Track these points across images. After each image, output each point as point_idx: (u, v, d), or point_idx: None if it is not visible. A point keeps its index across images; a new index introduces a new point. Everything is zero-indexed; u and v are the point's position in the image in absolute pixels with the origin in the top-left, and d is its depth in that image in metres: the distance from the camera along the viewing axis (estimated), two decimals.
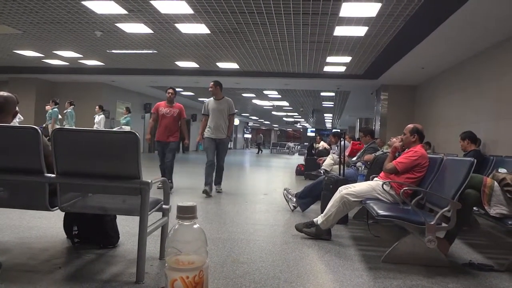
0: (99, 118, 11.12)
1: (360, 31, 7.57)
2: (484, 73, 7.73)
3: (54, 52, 10.67)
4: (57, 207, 2.37)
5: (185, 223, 0.67)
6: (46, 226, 3.45)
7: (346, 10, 6.45)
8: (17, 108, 2.72)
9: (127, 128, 11.09)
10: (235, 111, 6.35)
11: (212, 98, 6.26)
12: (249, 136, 40.74)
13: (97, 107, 11.26)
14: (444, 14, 6.10)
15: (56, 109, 10.42)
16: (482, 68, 7.85)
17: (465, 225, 3.36)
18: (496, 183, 3.04)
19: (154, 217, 2.42)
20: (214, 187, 6.17)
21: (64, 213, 2.76)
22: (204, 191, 5.80)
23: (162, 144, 6.36)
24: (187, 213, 0.68)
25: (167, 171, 6.20)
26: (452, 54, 8.46)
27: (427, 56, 8.72)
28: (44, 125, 10.85)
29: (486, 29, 6.55)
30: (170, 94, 6.43)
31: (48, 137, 2.54)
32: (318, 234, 3.52)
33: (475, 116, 7.96)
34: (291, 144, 37.14)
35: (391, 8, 6.28)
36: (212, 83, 6.14)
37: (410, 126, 3.82)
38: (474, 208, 3.24)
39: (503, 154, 5.61)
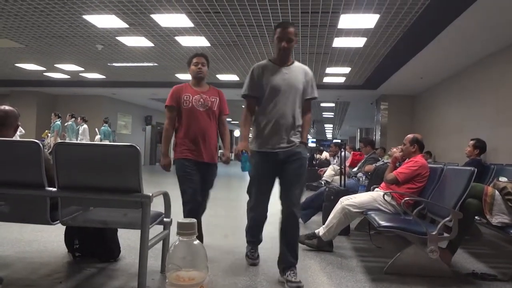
0: (81, 129, 10.71)
1: (358, 42, 7.63)
2: (483, 82, 7.77)
3: (56, 65, 10.75)
4: (58, 221, 2.37)
5: (185, 239, 0.68)
6: (47, 240, 3.44)
7: (344, 22, 6.51)
8: (18, 122, 2.73)
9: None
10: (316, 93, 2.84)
11: (267, 62, 2.81)
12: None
13: (79, 118, 10.78)
14: (441, 24, 6.16)
15: (58, 122, 10.45)
16: (480, 77, 7.89)
17: (467, 234, 3.34)
18: (497, 192, 3.04)
19: (155, 230, 2.41)
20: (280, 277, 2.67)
21: (65, 226, 2.76)
22: (251, 263, 2.99)
23: (195, 165, 3.11)
24: (187, 229, 0.69)
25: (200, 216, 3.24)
26: (450, 64, 8.51)
27: (425, 66, 8.77)
28: (43, 136, 10.89)
29: (483, 39, 6.60)
30: (199, 66, 3.16)
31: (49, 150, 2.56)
32: (320, 245, 3.51)
33: (475, 125, 7.98)
34: None
35: (389, 19, 6.34)
36: (282, 28, 2.71)
37: (410, 136, 3.83)
38: (476, 217, 3.23)
39: (503, 162, 5.61)
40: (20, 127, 4.45)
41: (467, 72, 8.55)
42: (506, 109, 6.80)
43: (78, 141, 10.15)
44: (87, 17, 6.72)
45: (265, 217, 2.92)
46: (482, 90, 7.81)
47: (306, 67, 2.82)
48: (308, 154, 3.01)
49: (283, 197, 2.67)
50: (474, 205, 3.01)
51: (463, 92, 8.77)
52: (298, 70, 2.76)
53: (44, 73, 11.89)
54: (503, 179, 3.36)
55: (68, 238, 2.96)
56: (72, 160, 2.32)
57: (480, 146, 5.50)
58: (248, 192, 2.86)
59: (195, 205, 3.05)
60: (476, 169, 2.92)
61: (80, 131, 10.64)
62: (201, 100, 3.14)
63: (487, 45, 6.96)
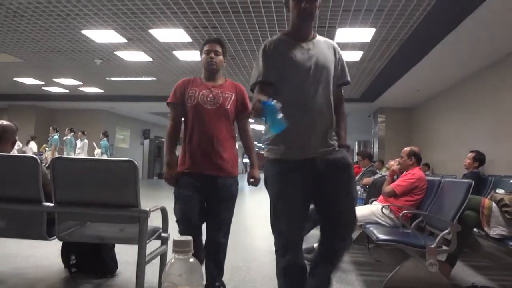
0: (81, 143, 10.62)
1: (355, 55, 7.70)
2: (479, 94, 7.83)
3: (54, 79, 10.79)
4: (55, 236, 2.36)
5: (181, 257, 0.68)
6: (43, 255, 3.42)
7: (341, 36, 6.58)
8: (16, 136, 2.74)
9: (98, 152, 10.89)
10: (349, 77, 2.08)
11: (281, 36, 1.99)
12: (247, 160, 40.72)
13: (79, 132, 10.69)
14: (436, 37, 6.23)
15: (56, 136, 10.44)
16: (476, 89, 7.96)
17: (465, 247, 3.34)
18: (494, 204, 3.05)
19: (153, 245, 2.40)
20: None
21: (61, 242, 2.74)
22: None
23: (199, 181, 2.42)
24: (182, 247, 0.69)
25: (214, 256, 2.45)
26: (446, 76, 8.58)
27: (422, 78, 8.84)
28: (41, 150, 10.89)
29: (478, 52, 6.67)
30: (211, 55, 2.49)
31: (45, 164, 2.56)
32: None
33: (472, 136, 8.01)
34: None
35: (385, 33, 6.41)
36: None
37: (407, 149, 3.85)
38: (475, 229, 3.23)
39: (501, 173, 5.62)
40: (18, 142, 4.45)
41: (464, 84, 8.62)
42: (503, 120, 6.84)
43: (76, 155, 10.15)
44: (86, 32, 6.78)
45: (304, 267, 1.85)
46: (478, 102, 7.87)
47: (333, 42, 2.01)
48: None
49: (325, 228, 1.88)
50: (472, 217, 3.01)
51: (460, 104, 8.83)
52: (324, 46, 1.95)
53: (43, 87, 11.93)
54: (500, 191, 3.37)
55: (65, 253, 2.94)
56: (69, 175, 2.32)
57: (480, 158, 5.52)
58: (272, 227, 1.85)
59: (187, 228, 2.31)
60: (473, 182, 2.92)
61: (78, 145, 10.62)
62: (211, 95, 2.43)
63: (483, 57, 7.03)
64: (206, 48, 2.50)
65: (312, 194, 1.83)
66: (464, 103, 8.60)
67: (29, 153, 9.10)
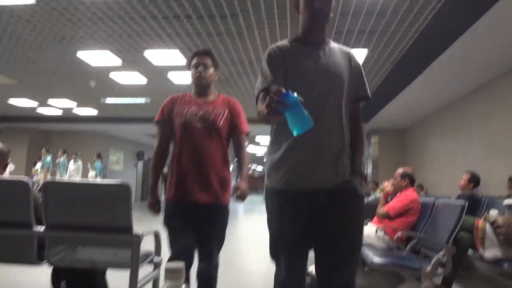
0: (75, 165, 10.51)
1: None
2: (471, 115, 7.93)
3: (49, 101, 10.80)
4: (45, 261, 2.32)
5: (173, 283, 0.67)
6: (33, 281, 3.34)
7: None
8: (8, 159, 2.72)
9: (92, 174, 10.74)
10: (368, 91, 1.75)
11: (288, 42, 1.69)
12: None
13: (73, 154, 10.61)
14: (428, 59, 6.35)
15: (49, 158, 10.37)
16: (468, 110, 8.07)
17: (461, 269, 3.32)
18: (488, 225, 3.05)
19: (145, 270, 2.36)
20: None
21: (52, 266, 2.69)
22: None
23: (190, 210, 2.19)
24: (175, 273, 0.68)
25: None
26: (439, 97, 8.70)
27: (415, 99, 8.94)
28: (34, 172, 10.80)
29: (469, 73, 6.80)
30: (199, 69, 2.27)
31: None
32: (313, 284, 3.44)
33: (465, 157, 8.07)
34: None
35: (377, 54, 6.53)
36: None
37: (400, 170, 3.87)
38: (469, 251, 3.22)
39: (493, 193, 5.64)
40: (10, 164, 4.41)
41: (455, 105, 8.74)
42: (494, 141, 6.92)
43: (69, 178, 10.07)
44: (82, 54, 6.83)
45: None
46: (470, 122, 7.97)
47: (349, 49, 1.74)
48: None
49: (323, 270, 1.65)
50: (466, 238, 3.01)
51: (452, 125, 8.93)
52: (338, 53, 1.67)
53: (37, 109, 11.92)
54: (493, 212, 3.39)
55: (55, 278, 2.86)
56: (61, 199, 2.29)
57: (475, 180, 5.55)
58: (272, 255, 1.68)
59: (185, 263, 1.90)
60: (467, 203, 2.93)
61: (72, 167, 10.54)
62: (201, 112, 2.20)
63: (473, 79, 7.16)
64: (194, 61, 2.28)
65: (312, 228, 1.58)
66: (456, 123, 8.70)
67: (6, 175, 9.04)
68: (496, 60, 6.04)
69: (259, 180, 50.43)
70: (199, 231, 2.19)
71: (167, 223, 2.19)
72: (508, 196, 4.90)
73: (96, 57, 6.96)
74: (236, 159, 2.34)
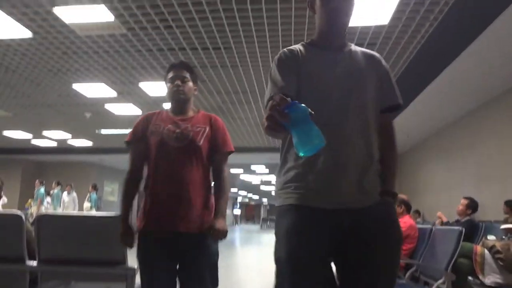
0: (69, 197, 10.31)
1: None
2: (464, 139, 8.01)
3: (43, 132, 10.80)
4: None
5: None
6: None
7: None
8: (1, 191, 2.70)
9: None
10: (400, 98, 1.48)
11: (302, 45, 1.46)
12: (238, 212, 40.19)
13: (67, 186, 10.45)
14: (421, 85, 6.46)
15: (42, 190, 10.26)
16: (461, 135, 8.15)
17: None
18: (486, 251, 3.03)
19: None
20: None
21: None
22: None
23: (166, 242, 1.84)
24: None
25: None
26: (433, 122, 8.80)
27: (409, 124, 9.03)
28: (27, 205, 10.66)
29: (462, 98, 6.90)
30: (177, 83, 2.01)
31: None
32: None
33: (460, 182, 8.09)
34: None
35: None
36: None
37: None
38: (469, 277, 3.18)
39: (491, 218, 5.63)
40: (3, 196, 4.36)
41: (449, 130, 8.83)
42: (488, 165, 6.96)
43: (63, 209, 9.95)
44: (77, 86, 6.89)
45: None
46: (464, 147, 8.03)
47: (374, 53, 1.48)
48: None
49: None
50: (465, 265, 2.98)
51: (447, 150, 9.00)
52: (361, 57, 1.43)
53: (31, 141, 11.90)
54: (491, 237, 3.37)
55: None
56: (54, 232, 2.26)
57: (473, 206, 5.55)
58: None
59: None
60: (464, 229, 2.92)
61: (66, 199, 10.41)
62: (178, 130, 1.94)
63: (465, 104, 7.26)
64: (170, 74, 2.02)
65: (334, 253, 1.30)
66: (450, 148, 8.77)
67: None
68: (488, 84, 6.13)
69: (255, 209, 50.00)
70: (180, 269, 1.85)
71: (139, 259, 1.84)
72: (506, 221, 4.89)
73: (91, 89, 7.02)
74: (214, 183, 1.99)
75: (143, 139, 1.99)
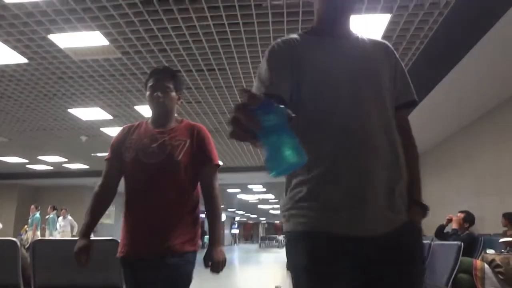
0: (64, 221, 10.22)
1: None
2: (459, 154, 8.05)
3: (39, 157, 10.76)
4: None
5: None
6: None
7: None
8: None
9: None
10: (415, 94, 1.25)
11: (300, 34, 1.21)
12: (236, 231, 39.88)
13: (62, 210, 10.39)
14: (418, 97, 6.50)
15: (37, 215, 10.15)
16: (456, 149, 8.20)
17: None
18: (486, 265, 3.02)
19: None
20: None
21: None
22: None
23: (138, 269, 1.70)
24: None
25: None
26: (428, 137, 8.86)
27: None
28: (22, 231, 10.53)
29: (455, 114, 6.97)
30: (157, 93, 1.80)
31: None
32: None
33: (456, 196, 8.09)
34: (280, 237, 36.20)
35: None
36: None
37: None
38: None
39: (489, 231, 5.62)
40: None
41: (445, 144, 8.88)
42: (485, 178, 6.98)
43: (59, 234, 9.85)
44: (73, 111, 6.91)
45: None
46: (460, 160, 8.07)
47: (385, 41, 1.26)
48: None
49: None
50: (465, 280, 2.97)
51: (442, 165, 9.03)
52: (370, 46, 1.21)
53: (27, 165, 11.84)
54: (490, 251, 3.36)
55: None
56: (50, 258, 2.24)
57: (470, 219, 5.54)
58: None
59: None
60: (463, 244, 2.92)
61: (62, 224, 10.32)
62: (154, 145, 1.73)
63: (458, 120, 7.33)
64: (151, 82, 1.80)
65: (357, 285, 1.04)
66: (446, 163, 8.81)
67: None
68: (483, 96, 6.15)
69: (253, 228, 49.60)
70: None
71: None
72: (504, 233, 4.88)
73: (87, 113, 7.04)
74: (204, 202, 1.78)
75: (118, 156, 1.81)
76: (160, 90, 1.77)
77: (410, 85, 1.24)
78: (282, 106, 0.73)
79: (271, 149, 0.73)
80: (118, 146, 1.83)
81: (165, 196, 1.67)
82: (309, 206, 1.04)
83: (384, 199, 1.03)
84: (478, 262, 3.05)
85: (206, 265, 1.68)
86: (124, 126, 1.91)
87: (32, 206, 10.44)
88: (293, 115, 0.75)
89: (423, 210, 1.16)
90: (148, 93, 1.81)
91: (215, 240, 1.72)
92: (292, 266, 1.10)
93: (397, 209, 1.05)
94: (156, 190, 1.69)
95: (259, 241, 35.78)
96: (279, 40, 1.18)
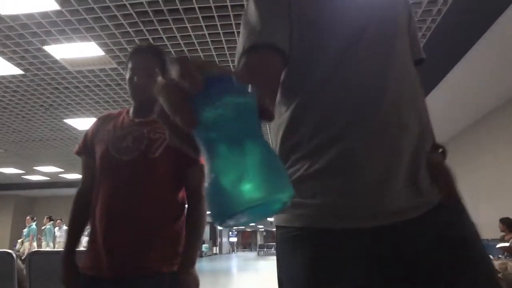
0: (60, 231, 10.11)
1: None
2: (459, 158, 8.08)
3: (35, 167, 10.72)
4: None
5: None
6: None
7: None
8: None
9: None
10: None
11: None
12: (234, 239, 39.74)
13: (58, 220, 10.32)
14: None
15: (34, 226, 10.09)
16: (455, 154, 8.23)
17: None
18: None
19: None
20: None
21: None
22: None
23: None
24: None
25: None
26: None
27: None
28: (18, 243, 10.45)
29: (453, 117, 6.99)
30: (137, 77, 1.41)
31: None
32: None
33: None
34: None
35: None
36: None
37: None
38: None
39: (486, 236, 5.62)
40: None
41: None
42: (483, 183, 6.99)
43: (56, 244, 9.78)
44: (68, 121, 6.91)
45: None
46: (458, 165, 8.08)
47: None
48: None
49: None
50: None
51: None
52: None
53: (23, 176, 11.79)
54: None
55: None
56: (47, 270, 2.22)
57: None
58: None
59: None
60: None
61: (58, 234, 10.25)
62: (129, 137, 1.40)
63: (458, 123, 7.35)
64: (130, 64, 1.46)
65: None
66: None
67: None
68: (483, 99, 6.16)
69: (252, 236, 49.42)
70: None
71: None
72: (502, 239, 4.89)
73: (83, 123, 7.04)
74: (187, 208, 1.43)
75: (92, 151, 1.46)
76: (142, 73, 1.42)
77: (419, 42, 0.96)
78: (246, 85, 0.37)
79: (216, 167, 0.36)
80: (92, 138, 1.50)
81: (139, 202, 1.33)
82: (310, 189, 0.73)
83: (408, 183, 0.76)
84: None
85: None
86: (102, 115, 1.58)
87: (28, 217, 10.38)
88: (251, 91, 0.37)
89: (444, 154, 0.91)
90: (127, 76, 1.45)
91: (188, 259, 1.33)
92: (287, 280, 0.75)
93: (420, 192, 0.78)
94: (127, 194, 1.33)
95: (258, 249, 35.63)
96: None
